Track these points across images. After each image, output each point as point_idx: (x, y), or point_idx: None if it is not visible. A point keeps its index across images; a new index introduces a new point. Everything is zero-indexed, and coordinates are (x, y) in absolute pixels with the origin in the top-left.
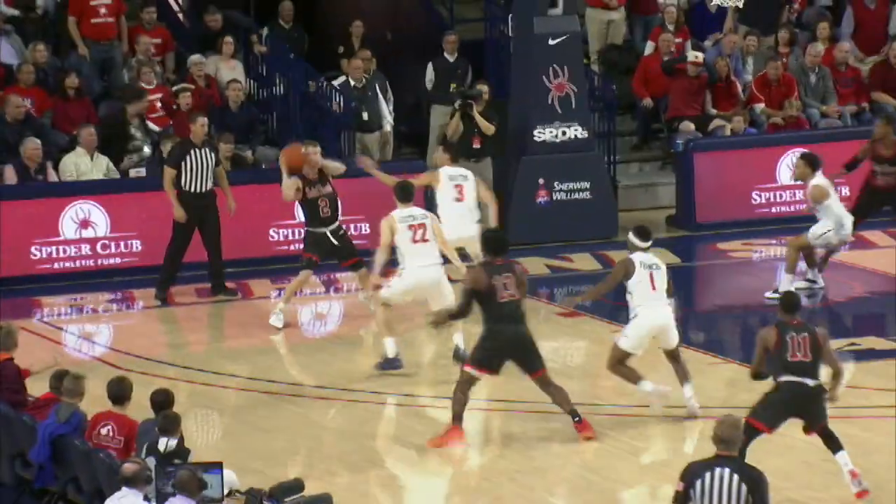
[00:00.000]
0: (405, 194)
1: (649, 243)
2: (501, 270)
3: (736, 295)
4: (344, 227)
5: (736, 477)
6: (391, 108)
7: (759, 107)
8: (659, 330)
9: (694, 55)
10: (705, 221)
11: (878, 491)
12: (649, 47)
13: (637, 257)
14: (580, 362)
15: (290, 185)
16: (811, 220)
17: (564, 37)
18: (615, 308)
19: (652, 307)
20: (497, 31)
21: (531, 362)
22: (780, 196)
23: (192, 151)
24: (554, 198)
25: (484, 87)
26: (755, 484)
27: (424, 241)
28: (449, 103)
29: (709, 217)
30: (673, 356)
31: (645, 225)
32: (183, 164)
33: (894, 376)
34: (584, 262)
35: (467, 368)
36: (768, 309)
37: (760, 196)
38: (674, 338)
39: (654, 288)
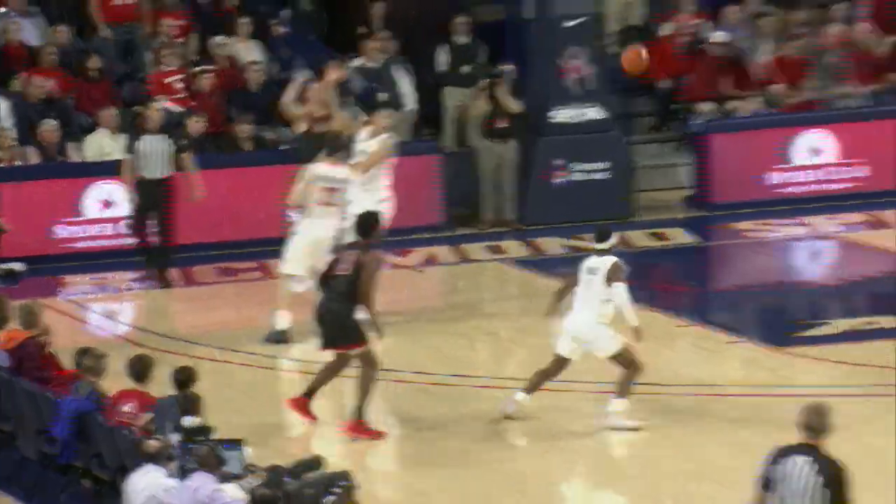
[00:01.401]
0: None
1: (605, 245)
2: (353, 247)
3: (752, 275)
4: None
5: (816, 466)
6: (411, 89)
7: (776, 87)
8: (573, 337)
9: (717, 35)
10: (722, 201)
11: None
12: (667, 28)
13: (586, 263)
14: None
15: None
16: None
17: (582, 19)
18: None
19: (573, 313)
20: (515, 13)
21: (325, 338)
22: (795, 177)
23: (143, 138)
24: (572, 178)
25: (510, 67)
26: (833, 477)
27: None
28: (461, 85)
29: (725, 197)
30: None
31: (605, 227)
32: (135, 151)
33: None
34: None
35: None
36: (783, 288)
37: (776, 176)
38: (599, 349)
39: (583, 294)
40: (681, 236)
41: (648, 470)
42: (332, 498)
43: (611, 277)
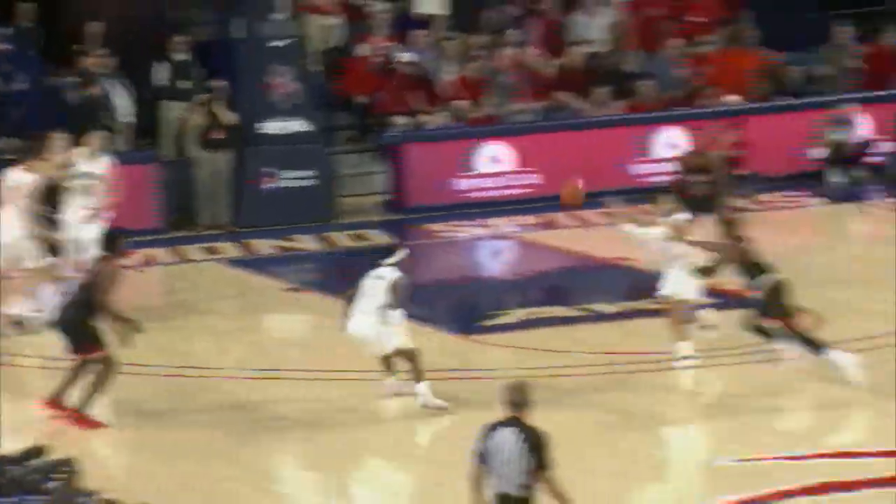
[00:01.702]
0: None
1: (391, 260)
2: (97, 260)
3: (444, 270)
4: None
5: (520, 437)
6: (128, 103)
7: (460, 102)
8: (356, 338)
9: (406, 56)
10: (415, 205)
11: None
12: (362, 49)
13: (374, 271)
14: (301, 334)
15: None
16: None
17: (287, 40)
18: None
19: (354, 315)
20: (226, 33)
21: (67, 343)
22: (479, 183)
23: None
24: (281, 185)
25: (223, 83)
26: (536, 443)
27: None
28: (179, 99)
29: (418, 201)
30: (403, 358)
31: (393, 244)
32: None
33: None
34: (308, 242)
35: None
36: (473, 282)
37: (462, 183)
38: (378, 347)
39: (362, 297)
40: (378, 237)
41: (358, 450)
42: (54, 483)
43: (393, 290)
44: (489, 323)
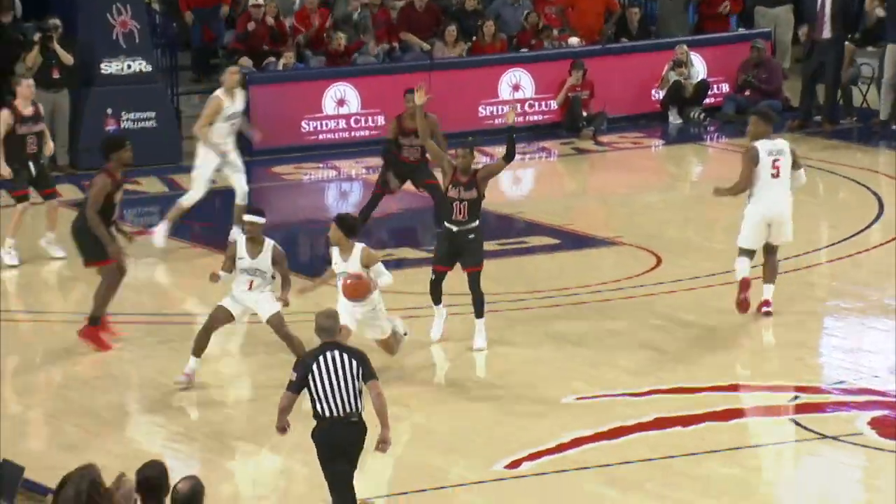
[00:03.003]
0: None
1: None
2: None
3: (290, 213)
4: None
5: (346, 355)
6: None
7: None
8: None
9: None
10: (261, 148)
11: None
12: None
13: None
14: (144, 279)
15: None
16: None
17: None
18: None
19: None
20: None
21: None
22: (326, 124)
23: None
24: (122, 126)
25: (58, 21)
26: (361, 358)
27: None
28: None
29: (264, 144)
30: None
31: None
32: None
33: (426, 282)
34: (152, 185)
35: None
36: (318, 225)
37: (309, 124)
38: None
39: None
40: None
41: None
42: None
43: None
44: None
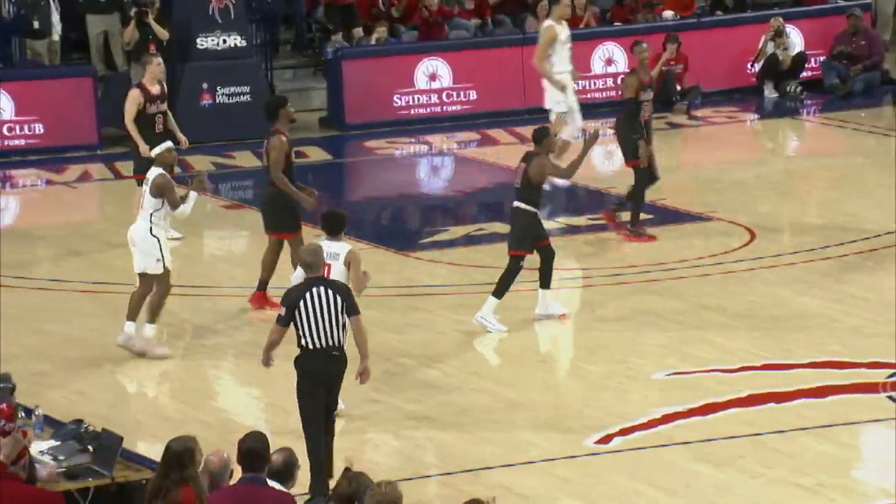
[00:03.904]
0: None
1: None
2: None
3: (382, 187)
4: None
5: (330, 290)
6: (58, 17)
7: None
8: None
9: None
10: (354, 122)
11: None
12: None
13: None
14: (239, 251)
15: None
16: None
17: None
18: None
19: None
20: None
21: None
22: (418, 99)
23: None
24: (217, 101)
25: None
26: (345, 293)
27: None
28: (103, 12)
29: (356, 118)
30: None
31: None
32: None
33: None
34: (245, 159)
35: None
36: (412, 200)
37: (401, 99)
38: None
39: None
40: (317, 153)
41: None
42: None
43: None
44: (429, 240)
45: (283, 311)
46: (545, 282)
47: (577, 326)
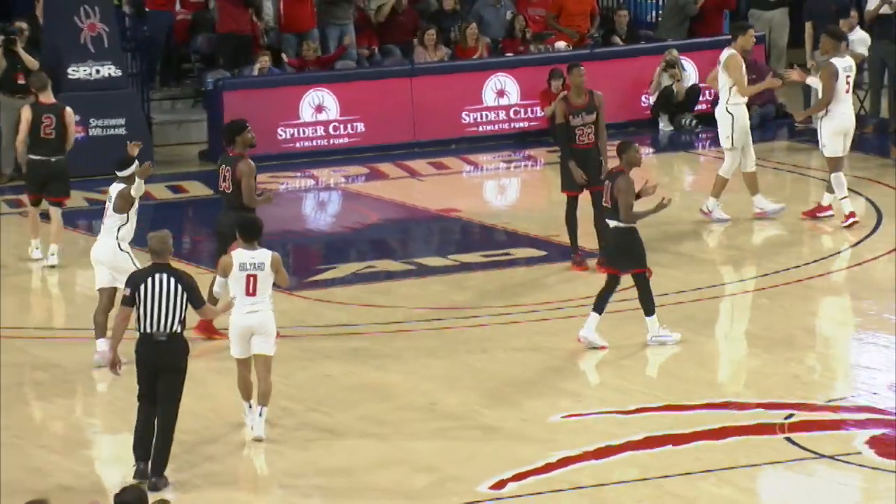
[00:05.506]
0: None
1: (125, 172)
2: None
3: (267, 223)
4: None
5: (173, 279)
6: None
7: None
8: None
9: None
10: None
11: None
12: None
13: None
14: None
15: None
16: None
17: None
18: None
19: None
20: None
21: None
22: (304, 132)
23: None
24: (90, 133)
25: (23, 24)
26: (189, 285)
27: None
28: None
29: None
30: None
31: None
32: None
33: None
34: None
35: None
36: (298, 236)
37: (285, 132)
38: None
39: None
40: (197, 188)
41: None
42: None
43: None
44: (316, 279)
45: (127, 291)
46: (648, 308)
47: (472, 363)
